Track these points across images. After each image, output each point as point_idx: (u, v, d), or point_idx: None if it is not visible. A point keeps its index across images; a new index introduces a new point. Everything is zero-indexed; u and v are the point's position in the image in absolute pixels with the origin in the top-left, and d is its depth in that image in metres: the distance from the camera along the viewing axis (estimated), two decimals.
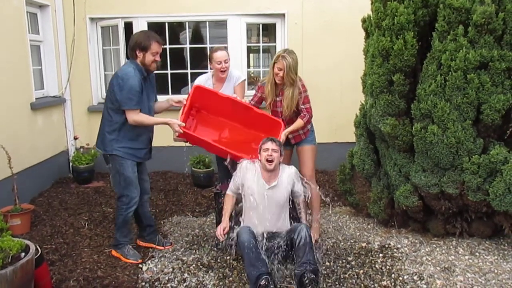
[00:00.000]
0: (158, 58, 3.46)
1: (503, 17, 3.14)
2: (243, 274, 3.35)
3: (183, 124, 3.48)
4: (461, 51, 3.23)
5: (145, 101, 3.52)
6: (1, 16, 4.56)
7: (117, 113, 3.47)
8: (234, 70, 4.22)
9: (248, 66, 6.27)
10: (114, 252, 3.70)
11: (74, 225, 4.32)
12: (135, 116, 3.42)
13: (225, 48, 4.14)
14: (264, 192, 3.38)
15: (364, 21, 4.14)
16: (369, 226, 4.29)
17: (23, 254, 2.66)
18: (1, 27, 4.55)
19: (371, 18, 3.91)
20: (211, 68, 4.23)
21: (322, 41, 5.78)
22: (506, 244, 3.79)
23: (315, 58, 5.79)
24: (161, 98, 5.72)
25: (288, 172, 3.50)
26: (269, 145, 3.36)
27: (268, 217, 3.38)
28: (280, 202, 3.42)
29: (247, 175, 3.45)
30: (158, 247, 3.86)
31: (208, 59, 4.23)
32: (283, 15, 5.85)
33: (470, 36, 3.23)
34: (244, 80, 4.26)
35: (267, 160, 3.33)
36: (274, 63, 3.67)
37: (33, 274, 2.73)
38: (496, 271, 3.37)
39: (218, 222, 3.76)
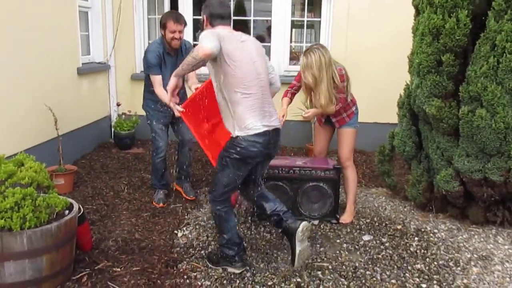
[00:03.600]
0: (177, 35, 3.78)
1: None
2: (274, 245, 3.39)
3: (182, 110, 3.18)
4: None
5: (166, 74, 3.77)
6: None
7: (147, 78, 4.02)
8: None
9: (291, 41, 6.19)
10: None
11: (114, 188, 4.46)
12: (155, 84, 3.87)
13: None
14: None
15: None
16: (405, 209, 4.23)
17: (67, 211, 2.78)
18: None
19: None
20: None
21: (368, 18, 5.63)
22: None
23: (360, 35, 5.66)
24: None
25: None
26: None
27: None
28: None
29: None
30: (184, 194, 4.34)
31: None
32: None
33: None
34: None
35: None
36: None
37: (76, 231, 2.85)
38: None
39: None
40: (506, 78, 3.15)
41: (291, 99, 3.95)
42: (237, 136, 2.77)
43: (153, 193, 4.26)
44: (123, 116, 5.97)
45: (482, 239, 3.63)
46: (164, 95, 3.70)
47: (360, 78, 5.54)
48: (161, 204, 4.08)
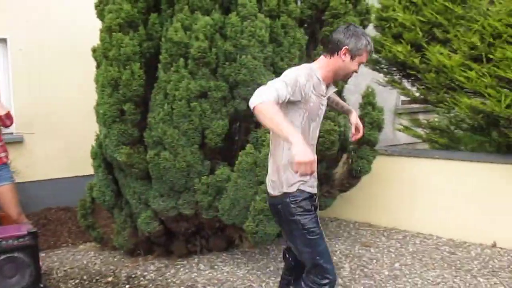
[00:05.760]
0: None
1: (216, 52, 3.53)
2: None
3: None
4: (183, 81, 3.48)
5: None
6: None
7: None
8: None
9: None
10: None
11: None
12: None
13: None
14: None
15: (94, 50, 4.07)
16: (115, 259, 4.19)
17: None
18: None
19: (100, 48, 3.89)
20: None
21: (52, 69, 5.43)
22: (239, 254, 4.22)
23: (46, 86, 5.42)
24: None
25: None
26: None
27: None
28: None
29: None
30: None
31: None
32: (5, 40, 5.29)
33: (190, 68, 3.52)
34: None
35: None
36: None
37: None
38: (231, 279, 3.71)
39: None
40: (180, 122, 3.52)
41: None
42: None
43: None
44: None
45: (187, 270, 3.91)
46: None
47: (57, 131, 5.32)
48: None
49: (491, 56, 3.94)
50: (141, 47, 3.66)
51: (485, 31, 3.96)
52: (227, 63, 3.54)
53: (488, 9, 3.95)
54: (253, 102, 2.08)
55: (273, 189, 2.44)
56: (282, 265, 3.93)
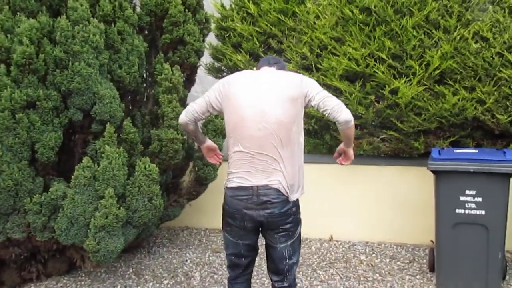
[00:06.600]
0: None
1: (44, 58, 3.24)
2: None
3: None
4: (5, 90, 3.12)
5: None
6: None
7: None
8: None
9: None
10: None
11: None
12: None
13: None
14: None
15: None
16: None
17: None
18: None
19: None
20: None
21: None
22: (83, 275, 3.92)
23: None
24: None
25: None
26: None
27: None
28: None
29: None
30: None
31: None
32: None
33: (14, 75, 3.18)
34: None
35: None
36: None
37: None
38: None
39: None
40: (4, 136, 3.14)
41: None
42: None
43: None
44: None
45: None
46: None
47: None
48: None
49: (319, 66, 4.31)
50: None
51: (313, 42, 4.32)
52: (57, 70, 3.29)
53: (315, 23, 4.31)
54: (351, 118, 2.32)
55: (291, 193, 2.36)
56: (130, 282, 3.78)
